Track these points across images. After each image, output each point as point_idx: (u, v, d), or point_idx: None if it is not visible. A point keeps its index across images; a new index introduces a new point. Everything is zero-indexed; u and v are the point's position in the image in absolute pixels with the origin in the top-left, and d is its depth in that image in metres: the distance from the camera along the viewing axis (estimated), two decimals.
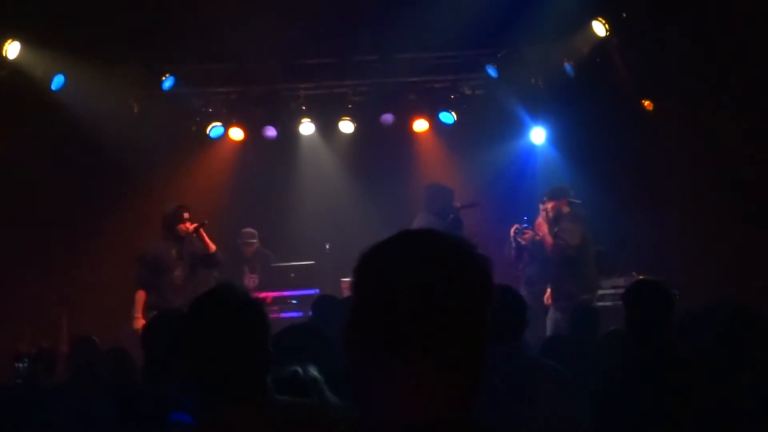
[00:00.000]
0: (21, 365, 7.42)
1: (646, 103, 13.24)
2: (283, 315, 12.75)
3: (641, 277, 11.59)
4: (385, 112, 14.37)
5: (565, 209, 11.98)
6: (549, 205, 11.99)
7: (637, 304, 5.60)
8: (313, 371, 4.42)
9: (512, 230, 12.34)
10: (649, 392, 5.17)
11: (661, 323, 5.50)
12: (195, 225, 11.53)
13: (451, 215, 12.05)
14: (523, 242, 12.33)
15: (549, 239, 11.83)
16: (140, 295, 11.39)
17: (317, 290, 12.85)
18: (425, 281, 2.05)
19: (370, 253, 2.14)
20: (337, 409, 3.44)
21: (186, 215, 11.54)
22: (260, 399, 3.38)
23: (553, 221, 11.93)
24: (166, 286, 11.33)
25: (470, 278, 2.09)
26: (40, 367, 7.79)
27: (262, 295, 12.96)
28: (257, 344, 3.45)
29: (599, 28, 12.51)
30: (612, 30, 12.46)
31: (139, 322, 10.97)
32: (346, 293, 12.39)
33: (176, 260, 11.46)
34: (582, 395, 5.40)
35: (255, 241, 13.96)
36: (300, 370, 4.39)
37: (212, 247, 11.65)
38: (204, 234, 11.61)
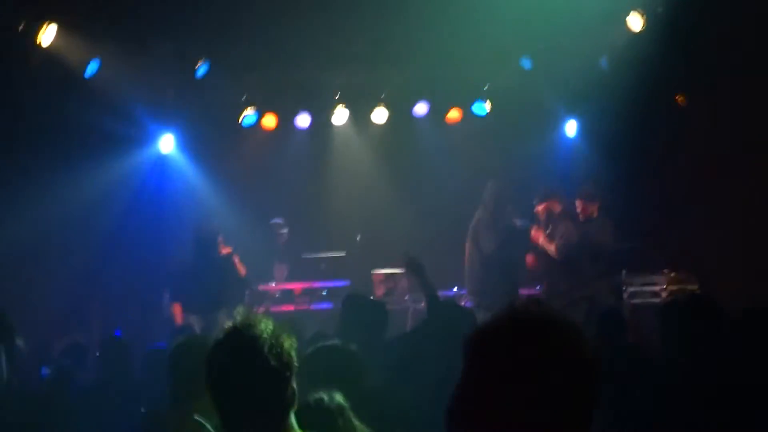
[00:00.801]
0: (48, 371, 7.39)
1: (680, 98, 13.17)
2: (312, 306, 12.84)
3: (675, 277, 11.75)
4: (419, 102, 14.30)
5: (557, 209, 11.85)
6: (540, 207, 11.86)
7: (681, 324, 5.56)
8: (339, 397, 4.41)
9: None
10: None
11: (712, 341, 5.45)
12: (229, 250, 12.26)
13: (519, 223, 12.01)
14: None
15: (550, 246, 11.67)
16: (176, 308, 12.09)
17: (347, 282, 12.90)
18: (537, 372, 2.18)
19: (485, 332, 2.26)
20: None
21: (220, 239, 12.25)
22: None
23: (546, 222, 11.81)
24: (198, 298, 11.99)
25: (580, 372, 2.23)
26: (69, 363, 7.81)
27: (291, 286, 13.26)
28: (281, 385, 3.44)
29: (635, 22, 12.39)
30: (648, 24, 12.31)
31: None
32: (377, 286, 12.80)
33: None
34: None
35: (285, 231, 14.00)
36: (325, 396, 4.38)
37: (243, 272, 12.34)
38: (237, 260, 12.25)
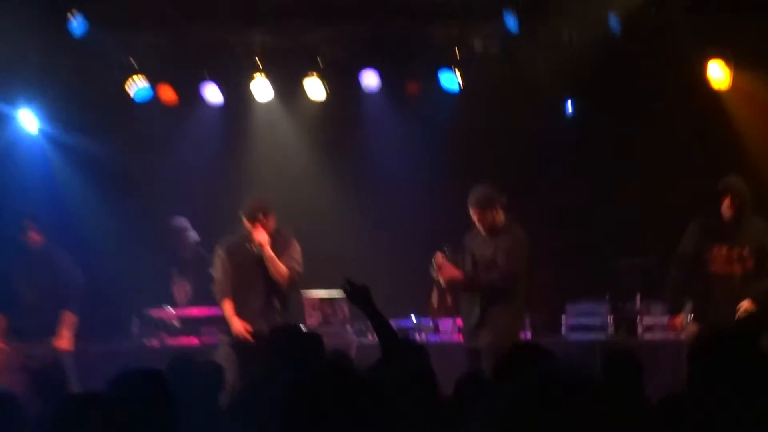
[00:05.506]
0: None
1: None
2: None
3: None
4: (368, 70, 12.53)
5: (500, 218, 9.96)
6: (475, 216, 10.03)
7: None
8: None
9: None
10: None
11: None
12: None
13: None
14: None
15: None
16: None
17: None
18: None
19: None
20: None
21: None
22: None
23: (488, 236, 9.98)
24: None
25: None
26: None
27: (196, 312, 11.76)
28: None
29: None
30: None
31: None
32: (309, 313, 11.28)
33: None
34: None
35: (191, 234, 11.94)
36: None
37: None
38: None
